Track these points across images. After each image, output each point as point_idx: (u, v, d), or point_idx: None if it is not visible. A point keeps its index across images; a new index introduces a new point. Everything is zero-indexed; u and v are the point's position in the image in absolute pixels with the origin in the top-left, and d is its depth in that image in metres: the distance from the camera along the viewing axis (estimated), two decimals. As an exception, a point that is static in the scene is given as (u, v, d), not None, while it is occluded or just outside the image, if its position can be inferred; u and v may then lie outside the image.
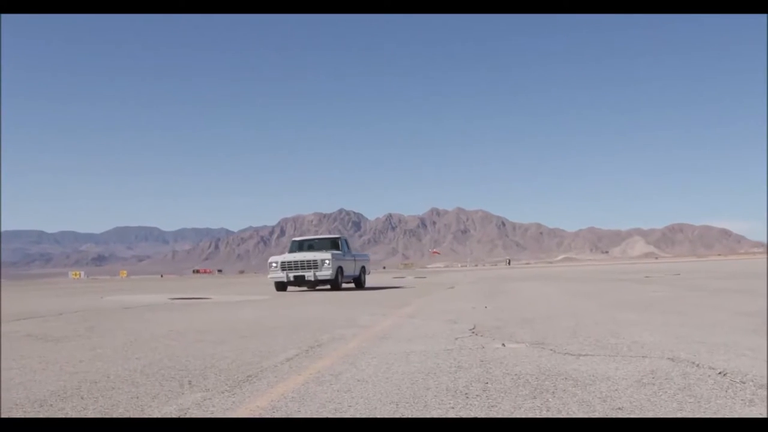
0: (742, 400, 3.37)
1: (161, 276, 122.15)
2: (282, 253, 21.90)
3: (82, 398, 3.78)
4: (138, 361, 5.20)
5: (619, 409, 3.24)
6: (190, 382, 4.22)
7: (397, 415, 3.23)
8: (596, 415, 3.15)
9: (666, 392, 3.58)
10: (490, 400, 3.48)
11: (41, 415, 3.40)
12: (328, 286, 19.72)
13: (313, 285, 19.28)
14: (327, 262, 18.68)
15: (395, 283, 27.39)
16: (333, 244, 21.03)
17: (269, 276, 19.41)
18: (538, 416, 3.15)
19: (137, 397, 3.77)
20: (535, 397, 3.53)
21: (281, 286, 19.32)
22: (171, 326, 8.27)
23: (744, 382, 3.79)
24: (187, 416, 3.31)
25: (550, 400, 3.47)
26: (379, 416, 3.23)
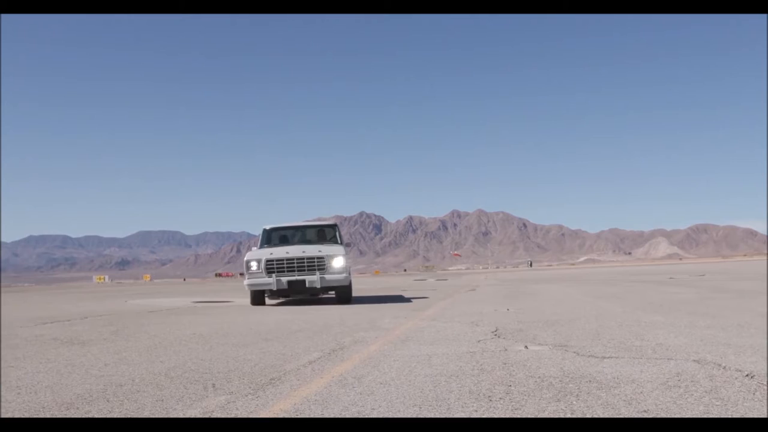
0: (770, 402, 3.32)
1: (184, 279, 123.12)
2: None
3: (107, 401, 3.83)
4: (162, 364, 5.25)
5: (645, 411, 3.21)
6: (213, 385, 4.25)
7: (421, 417, 3.23)
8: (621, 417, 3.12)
9: (692, 395, 3.54)
10: (513, 403, 3.46)
11: (67, 418, 3.45)
12: (326, 295, 14.80)
13: (316, 294, 14.33)
14: (338, 259, 13.42)
15: (416, 285, 27.35)
16: (324, 235, 15.34)
17: (246, 282, 13.53)
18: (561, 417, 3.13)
19: (162, 400, 3.81)
20: (559, 400, 3.50)
21: (258, 297, 13.75)
22: (194, 329, 8.33)
23: (772, 385, 3.73)
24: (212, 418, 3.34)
25: (574, 402, 3.44)
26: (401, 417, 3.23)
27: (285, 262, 13.34)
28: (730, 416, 3.09)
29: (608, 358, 4.95)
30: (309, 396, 3.80)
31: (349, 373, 4.54)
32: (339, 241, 14.96)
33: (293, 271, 13.29)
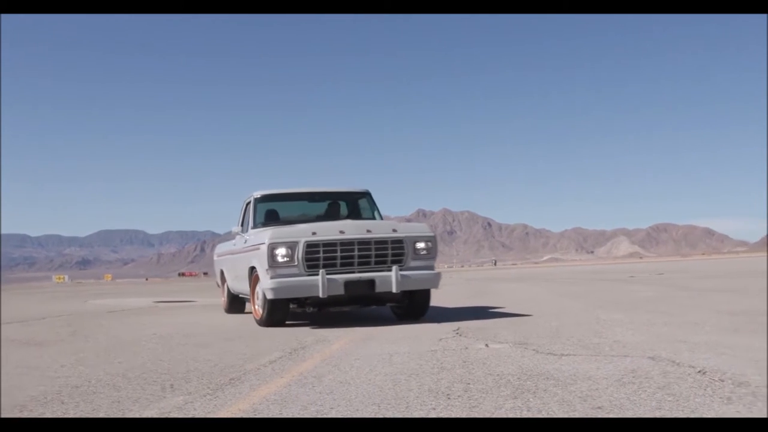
0: (720, 397, 3.40)
1: (146, 279, 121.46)
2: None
3: (62, 403, 3.76)
4: (120, 365, 5.18)
5: (599, 408, 3.26)
6: (172, 386, 4.21)
7: (379, 417, 3.24)
8: (576, 414, 3.17)
9: (645, 391, 3.61)
10: (471, 401, 3.49)
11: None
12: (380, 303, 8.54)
13: (379, 303, 8.43)
14: (424, 245, 8.04)
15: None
16: (339, 210, 9.68)
17: (270, 284, 7.51)
18: (518, 416, 3.17)
19: (118, 402, 3.75)
20: (516, 397, 3.54)
21: (281, 311, 7.94)
22: (155, 330, 8.23)
23: (723, 380, 3.82)
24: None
25: (530, 399, 3.48)
26: (360, 417, 3.23)
27: (339, 247, 7.68)
28: (717, 416, 3.16)
29: (566, 355, 5.02)
30: (268, 396, 3.78)
31: (310, 373, 4.53)
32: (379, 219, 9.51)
33: (351, 264, 7.73)
